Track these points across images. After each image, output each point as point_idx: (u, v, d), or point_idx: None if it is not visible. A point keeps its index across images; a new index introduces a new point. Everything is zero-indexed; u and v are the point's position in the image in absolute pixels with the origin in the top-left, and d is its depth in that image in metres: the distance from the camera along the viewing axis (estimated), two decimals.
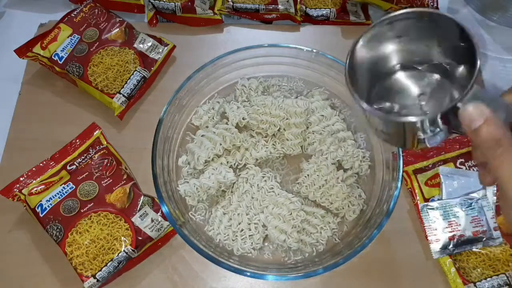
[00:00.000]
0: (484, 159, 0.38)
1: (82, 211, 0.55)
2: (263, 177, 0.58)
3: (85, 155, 0.60)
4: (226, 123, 0.61)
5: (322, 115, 0.61)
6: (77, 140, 0.61)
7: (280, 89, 0.66)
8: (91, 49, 0.66)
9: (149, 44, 0.68)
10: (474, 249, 0.55)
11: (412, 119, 0.35)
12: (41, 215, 0.55)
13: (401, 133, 0.39)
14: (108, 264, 0.52)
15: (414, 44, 0.42)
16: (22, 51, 0.66)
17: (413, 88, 0.43)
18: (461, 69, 0.39)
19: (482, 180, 0.40)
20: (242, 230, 0.56)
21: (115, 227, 0.54)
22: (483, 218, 0.55)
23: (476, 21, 0.77)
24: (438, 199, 0.58)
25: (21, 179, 0.57)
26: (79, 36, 0.67)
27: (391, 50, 0.43)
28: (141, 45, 0.68)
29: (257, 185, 0.58)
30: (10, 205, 0.57)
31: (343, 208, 0.57)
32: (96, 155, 0.60)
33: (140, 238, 0.54)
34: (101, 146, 0.61)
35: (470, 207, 0.56)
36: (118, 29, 0.68)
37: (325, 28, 0.76)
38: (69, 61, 0.65)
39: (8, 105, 0.66)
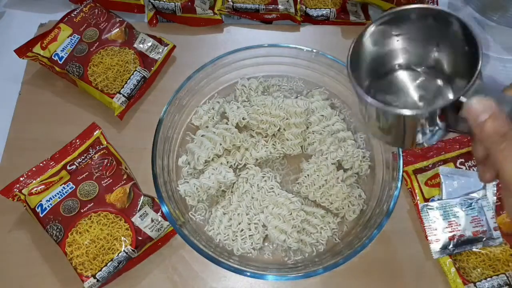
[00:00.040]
0: (484, 154, 0.38)
1: (82, 211, 0.55)
2: (263, 177, 0.58)
3: (85, 155, 0.60)
4: (226, 123, 0.61)
5: (322, 115, 0.61)
6: (77, 140, 0.61)
7: (280, 89, 0.66)
8: (91, 49, 0.66)
9: (149, 44, 0.68)
10: (474, 249, 0.55)
11: (412, 112, 0.35)
12: (41, 215, 0.55)
13: (398, 130, 0.39)
14: (108, 264, 0.52)
15: (414, 43, 0.42)
16: (22, 51, 0.66)
17: (412, 89, 0.43)
18: (461, 69, 0.39)
19: (482, 177, 0.40)
20: (242, 230, 0.56)
21: (115, 227, 0.54)
22: (483, 218, 0.55)
23: (476, 21, 0.77)
24: (438, 199, 0.58)
25: (21, 179, 0.57)
26: (79, 36, 0.67)
27: (392, 48, 0.43)
28: (141, 45, 0.68)
29: (257, 185, 0.58)
30: (10, 205, 0.57)
31: (343, 208, 0.57)
32: (96, 155, 0.60)
33: (140, 238, 0.54)
34: (101, 146, 0.61)
35: (470, 207, 0.56)
36: (118, 29, 0.69)
37: (325, 28, 0.76)
38: (69, 61, 0.65)
39: (8, 105, 0.66)
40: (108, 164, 0.59)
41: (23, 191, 0.56)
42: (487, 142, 0.34)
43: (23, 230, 0.57)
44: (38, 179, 0.57)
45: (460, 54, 0.38)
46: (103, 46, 0.67)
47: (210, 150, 0.58)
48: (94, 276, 0.51)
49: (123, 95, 0.64)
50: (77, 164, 0.59)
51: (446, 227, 0.55)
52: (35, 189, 0.56)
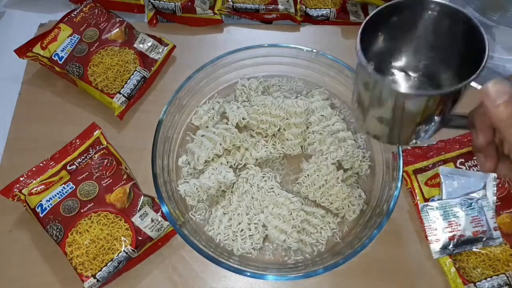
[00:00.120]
0: (485, 142, 0.37)
1: (82, 211, 0.55)
2: (263, 177, 0.58)
3: (85, 155, 0.60)
4: (226, 123, 0.61)
5: (322, 115, 0.61)
6: (77, 140, 0.61)
7: (280, 89, 0.66)
8: (91, 49, 0.66)
9: (149, 44, 0.68)
10: (474, 249, 0.55)
11: (423, 92, 0.34)
12: (41, 215, 0.55)
13: (396, 118, 0.38)
14: (108, 264, 0.52)
15: (413, 44, 0.42)
16: (22, 51, 0.66)
17: (412, 82, 0.43)
18: (459, 64, 0.39)
19: (483, 166, 0.39)
20: (242, 230, 0.56)
21: (115, 227, 0.54)
22: (483, 218, 0.55)
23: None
24: (438, 199, 0.58)
25: (21, 179, 0.57)
26: (79, 36, 0.67)
27: (389, 48, 0.43)
28: (141, 45, 0.68)
29: (257, 185, 0.58)
30: (10, 205, 0.57)
31: (343, 208, 0.57)
32: (96, 155, 0.60)
33: (140, 238, 0.54)
34: (101, 146, 0.61)
35: (470, 207, 0.56)
36: (118, 29, 0.69)
37: (325, 28, 0.76)
38: (69, 61, 0.65)
39: (8, 105, 0.66)
40: (108, 164, 0.59)
41: (23, 191, 0.56)
42: (500, 125, 0.34)
43: (23, 230, 0.57)
44: (38, 179, 0.57)
45: (460, 46, 0.38)
46: (103, 46, 0.67)
47: (210, 150, 0.58)
48: (94, 276, 0.51)
49: (123, 95, 0.64)
50: (77, 164, 0.59)
51: (446, 227, 0.55)
52: (35, 189, 0.56)
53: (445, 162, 0.60)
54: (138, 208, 0.56)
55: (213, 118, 0.62)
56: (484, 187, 0.58)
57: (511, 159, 0.38)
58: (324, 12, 0.75)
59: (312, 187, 0.57)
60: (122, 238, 0.53)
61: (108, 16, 0.70)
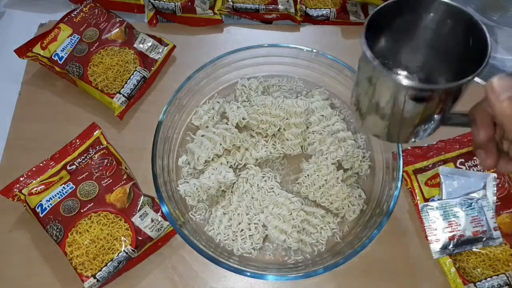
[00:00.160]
0: (486, 139, 0.38)
1: (82, 211, 0.55)
2: (263, 177, 0.58)
3: (85, 155, 0.60)
4: (226, 123, 0.61)
5: (322, 115, 0.61)
6: (77, 140, 0.61)
7: (280, 89, 0.66)
8: (91, 49, 0.66)
9: (149, 44, 0.68)
10: (474, 249, 0.55)
11: (427, 85, 0.34)
12: (41, 215, 0.55)
13: (396, 113, 0.38)
14: (108, 264, 0.52)
15: (413, 44, 0.42)
16: (22, 51, 0.66)
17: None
18: (459, 63, 0.39)
19: (483, 162, 0.39)
20: (242, 230, 0.56)
21: (115, 227, 0.54)
22: (483, 218, 0.55)
23: None
24: (438, 199, 0.58)
25: (21, 179, 0.57)
26: (79, 36, 0.67)
27: (390, 48, 0.42)
28: (141, 45, 0.68)
29: (257, 185, 0.58)
30: (10, 205, 0.57)
31: (343, 208, 0.57)
32: (96, 155, 0.60)
33: (140, 238, 0.54)
34: (101, 146, 0.61)
35: (470, 207, 0.56)
36: (118, 29, 0.69)
37: (325, 28, 0.76)
38: (69, 61, 0.65)
39: (8, 105, 0.66)
40: (108, 164, 0.59)
41: (23, 191, 0.56)
42: (504, 120, 0.34)
43: (23, 230, 0.57)
44: (38, 179, 0.57)
45: (460, 46, 0.38)
46: (103, 46, 0.67)
47: (210, 150, 0.58)
48: (94, 276, 0.51)
49: (123, 95, 0.64)
50: (77, 164, 0.59)
51: (446, 227, 0.55)
52: (35, 189, 0.56)
53: (445, 162, 0.60)
54: (138, 208, 0.56)
55: (213, 118, 0.62)
56: (484, 187, 0.58)
57: (510, 156, 0.38)
58: (324, 12, 0.75)
59: (312, 187, 0.57)
60: (122, 238, 0.53)
61: (108, 16, 0.70)
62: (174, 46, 0.70)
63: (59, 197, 0.56)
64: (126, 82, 0.65)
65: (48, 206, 0.55)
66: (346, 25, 0.76)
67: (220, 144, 0.58)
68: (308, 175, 0.58)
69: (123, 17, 0.70)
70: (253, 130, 0.61)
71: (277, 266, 0.54)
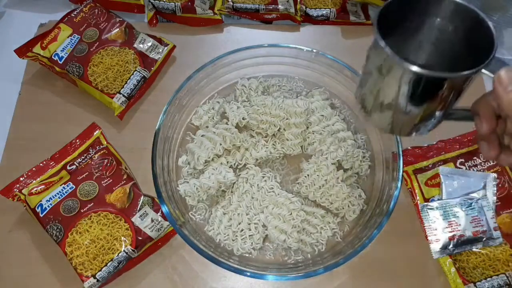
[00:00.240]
0: (488, 130, 0.38)
1: (82, 211, 0.55)
2: (263, 177, 0.58)
3: (85, 155, 0.60)
4: (226, 123, 0.61)
5: (322, 115, 0.61)
6: (77, 140, 0.61)
7: (280, 89, 0.66)
8: (91, 49, 0.66)
9: (149, 44, 0.68)
10: (474, 249, 0.55)
11: (440, 74, 0.34)
12: (41, 215, 0.55)
13: (402, 103, 0.38)
14: (108, 264, 0.52)
15: (418, 41, 0.42)
16: (22, 51, 0.66)
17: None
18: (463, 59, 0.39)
19: (486, 153, 0.40)
20: (242, 230, 0.56)
21: (115, 227, 0.54)
22: (483, 218, 0.55)
23: None
24: (438, 199, 0.58)
25: (21, 179, 0.57)
26: (79, 36, 0.67)
27: (396, 45, 0.43)
28: (141, 45, 0.68)
29: (257, 185, 0.58)
30: (10, 205, 0.57)
31: (343, 208, 0.57)
32: (96, 155, 0.60)
33: (140, 238, 0.54)
34: (101, 146, 0.61)
35: (470, 207, 0.56)
36: (118, 29, 0.69)
37: (325, 28, 0.76)
38: (69, 61, 0.65)
39: (8, 105, 0.66)
40: (108, 164, 0.59)
41: (23, 191, 0.56)
42: (510, 111, 0.35)
43: (23, 230, 0.57)
44: (38, 179, 0.57)
45: (464, 45, 0.39)
46: (103, 46, 0.67)
47: (210, 150, 0.58)
48: (94, 276, 0.51)
49: (123, 95, 0.64)
50: (77, 164, 0.59)
51: (446, 227, 0.55)
52: (35, 189, 0.56)
53: (445, 162, 0.60)
54: (138, 208, 0.56)
55: (213, 118, 0.62)
56: (484, 187, 0.58)
57: (511, 149, 0.39)
58: (324, 12, 0.75)
59: (312, 187, 0.57)
60: (122, 238, 0.53)
61: (108, 16, 0.70)
62: (174, 46, 0.70)
63: (59, 197, 0.56)
64: (126, 82, 0.65)
65: (48, 206, 0.55)
66: (346, 25, 0.76)
67: (220, 144, 0.58)
68: (308, 175, 0.58)
69: (123, 17, 0.70)
70: (253, 130, 0.61)
71: (277, 266, 0.54)
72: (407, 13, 0.40)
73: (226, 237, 0.55)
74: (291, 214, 0.54)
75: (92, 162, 0.59)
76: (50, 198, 0.56)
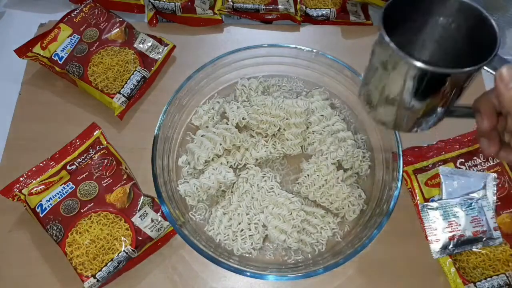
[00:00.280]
0: (489, 127, 0.39)
1: (82, 211, 0.55)
2: (263, 177, 0.58)
3: (85, 155, 0.60)
4: (226, 123, 0.61)
5: (322, 115, 0.61)
6: (77, 140, 0.61)
7: (280, 89, 0.66)
8: (91, 49, 0.66)
9: (149, 44, 0.68)
10: (474, 249, 0.55)
11: (443, 70, 0.35)
12: (41, 215, 0.55)
13: (405, 98, 0.39)
14: (108, 264, 0.52)
15: (421, 40, 0.43)
16: (22, 51, 0.66)
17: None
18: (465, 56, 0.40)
19: (486, 150, 0.41)
20: (242, 230, 0.56)
21: (115, 227, 0.54)
22: (483, 218, 0.55)
23: None
24: (438, 199, 0.58)
25: (21, 179, 0.57)
26: (79, 36, 0.67)
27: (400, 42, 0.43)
28: (141, 45, 0.68)
29: (257, 185, 0.58)
30: (10, 205, 0.57)
31: (343, 208, 0.57)
32: (96, 155, 0.60)
33: (140, 238, 0.54)
34: (101, 146, 0.61)
35: (470, 207, 0.56)
36: (118, 29, 0.69)
37: (325, 28, 0.76)
38: (69, 61, 0.65)
39: (8, 105, 0.66)
40: (108, 164, 0.59)
41: (23, 191, 0.56)
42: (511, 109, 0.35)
43: (23, 230, 0.57)
44: (38, 179, 0.57)
45: (466, 43, 0.39)
46: (103, 46, 0.67)
47: (210, 150, 0.58)
48: (94, 276, 0.51)
49: (123, 95, 0.64)
50: (77, 164, 0.59)
51: (446, 227, 0.55)
52: (35, 189, 0.56)
53: (445, 162, 0.60)
54: (138, 208, 0.56)
55: (213, 118, 0.62)
56: (484, 187, 0.58)
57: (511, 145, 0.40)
58: (324, 12, 0.75)
59: (312, 187, 0.57)
60: (122, 238, 0.53)
61: (108, 16, 0.70)
62: (174, 46, 0.70)
63: (59, 197, 0.56)
64: (126, 82, 0.65)
65: (48, 206, 0.55)
66: (346, 25, 0.76)
67: (220, 144, 0.58)
68: (308, 175, 0.58)
69: (123, 17, 0.70)
70: (253, 130, 0.61)
71: (277, 266, 0.54)
72: (411, 13, 0.40)
73: (226, 237, 0.55)
74: (291, 214, 0.54)
75: (92, 162, 0.59)
76: (50, 198, 0.56)
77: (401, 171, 0.54)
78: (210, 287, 0.55)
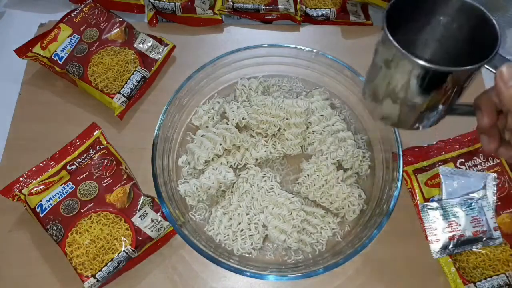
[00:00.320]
0: (489, 124, 0.40)
1: (82, 211, 0.55)
2: (263, 177, 0.58)
3: (85, 155, 0.60)
4: (226, 123, 0.61)
5: (322, 115, 0.61)
6: (77, 140, 0.61)
7: (280, 89, 0.66)
8: (91, 49, 0.66)
9: (149, 44, 0.68)
10: (474, 249, 0.55)
11: (444, 68, 0.36)
12: (41, 215, 0.55)
13: (409, 96, 0.40)
14: (108, 264, 0.52)
15: (423, 39, 0.43)
16: (22, 51, 0.66)
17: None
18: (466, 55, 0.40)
19: (486, 147, 0.42)
20: (242, 230, 0.56)
21: (115, 227, 0.54)
22: (483, 218, 0.55)
23: None
24: (438, 199, 0.58)
25: (21, 179, 0.57)
26: (79, 36, 0.67)
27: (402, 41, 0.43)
28: (141, 45, 0.68)
29: (257, 185, 0.58)
30: (10, 205, 0.57)
31: (343, 208, 0.57)
32: (96, 155, 0.60)
33: (140, 238, 0.54)
34: (101, 146, 0.61)
35: (470, 207, 0.56)
36: (118, 29, 0.69)
37: (325, 28, 0.76)
38: (69, 61, 0.65)
39: (8, 105, 0.66)
40: (108, 164, 0.59)
41: (23, 191, 0.56)
42: (511, 106, 0.36)
43: (23, 230, 0.57)
44: (38, 179, 0.57)
45: (467, 41, 0.40)
46: (103, 46, 0.67)
47: (210, 150, 0.58)
48: (94, 276, 0.51)
49: (123, 95, 0.64)
50: (77, 164, 0.59)
51: (446, 227, 0.55)
52: (35, 189, 0.56)
53: (445, 162, 0.60)
54: (138, 208, 0.56)
55: (213, 118, 0.62)
56: (484, 187, 0.58)
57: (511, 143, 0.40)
58: (324, 12, 0.75)
59: (312, 187, 0.57)
60: (122, 238, 0.53)
61: (108, 16, 0.70)
62: (174, 46, 0.70)
63: (59, 197, 0.56)
64: (126, 82, 0.65)
65: (48, 206, 0.55)
66: (346, 25, 0.75)
67: (220, 144, 0.58)
68: (308, 175, 0.58)
69: (123, 17, 0.70)
70: (253, 130, 0.61)
71: (277, 266, 0.54)
72: (413, 13, 0.41)
73: (226, 237, 0.55)
74: (291, 214, 0.54)
75: (92, 162, 0.59)
76: (50, 198, 0.56)
77: (401, 171, 0.54)
78: (210, 287, 0.55)
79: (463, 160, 0.60)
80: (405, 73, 0.38)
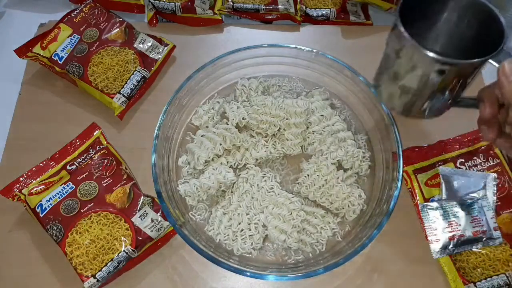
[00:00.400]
0: (490, 115, 0.42)
1: (82, 211, 0.55)
2: (263, 177, 0.58)
3: (85, 155, 0.60)
4: (226, 123, 0.61)
5: (322, 115, 0.61)
6: (77, 140, 0.61)
7: (280, 89, 0.66)
8: (91, 49, 0.66)
9: (149, 44, 0.68)
10: (474, 249, 0.55)
11: (454, 61, 0.38)
12: (41, 215, 0.55)
13: (417, 84, 0.42)
14: (108, 264, 0.52)
15: (433, 34, 0.45)
16: (22, 51, 0.66)
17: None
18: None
19: (485, 136, 0.44)
20: (242, 230, 0.56)
21: (115, 227, 0.54)
22: (483, 218, 0.55)
23: None
24: (438, 199, 0.58)
25: (21, 179, 0.57)
26: (79, 36, 0.67)
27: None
28: (141, 45, 0.68)
29: (257, 185, 0.58)
30: (10, 205, 0.57)
31: (343, 208, 0.57)
32: (96, 155, 0.60)
33: (140, 238, 0.54)
34: (101, 146, 0.61)
35: (470, 207, 0.56)
36: (118, 29, 0.69)
37: (325, 28, 0.76)
38: (69, 61, 0.65)
39: (8, 105, 0.66)
40: (108, 164, 0.59)
41: (23, 191, 0.56)
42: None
43: (23, 230, 0.57)
44: (38, 179, 0.57)
45: (474, 37, 0.43)
46: (103, 46, 0.67)
47: (210, 150, 0.58)
48: (94, 276, 0.51)
49: (123, 95, 0.64)
50: (77, 164, 0.59)
51: (446, 227, 0.55)
52: (35, 189, 0.56)
53: (445, 162, 0.60)
54: (138, 208, 0.56)
55: (213, 118, 0.62)
56: (484, 187, 0.58)
57: (511, 136, 0.42)
58: (324, 12, 0.75)
59: (312, 187, 0.57)
60: (122, 238, 0.53)
61: (108, 16, 0.70)
62: (174, 46, 0.70)
63: (59, 197, 0.56)
64: (126, 82, 0.65)
65: (48, 206, 0.55)
66: (346, 25, 0.75)
67: (220, 144, 0.58)
68: (308, 175, 0.58)
69: (123, 17, 0.70)
70: (253, 130, 0.61)
71: (277, 266, 0.54)
72: (425, 10, 0.43)
73: (226, 237, 0.55)
74: (291, 214, 0.54)
75: (92, 162, 0.59)
76: (50, 198, 0.56)
77: (401, 171, 0.54)
78: (210, 287, 0.55)
79: (463, 160, 0.60)
80: (413, 64, 0.40)
